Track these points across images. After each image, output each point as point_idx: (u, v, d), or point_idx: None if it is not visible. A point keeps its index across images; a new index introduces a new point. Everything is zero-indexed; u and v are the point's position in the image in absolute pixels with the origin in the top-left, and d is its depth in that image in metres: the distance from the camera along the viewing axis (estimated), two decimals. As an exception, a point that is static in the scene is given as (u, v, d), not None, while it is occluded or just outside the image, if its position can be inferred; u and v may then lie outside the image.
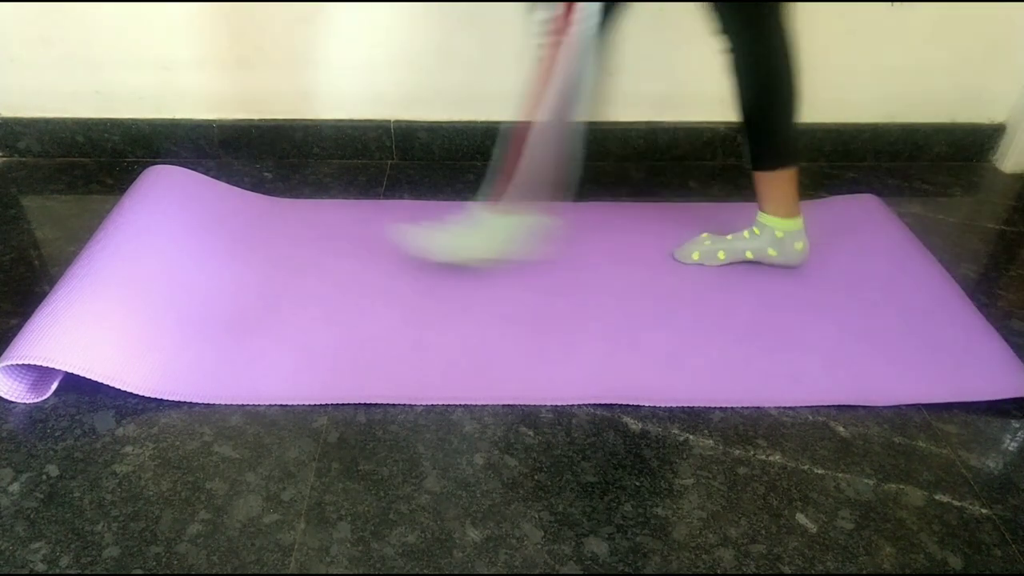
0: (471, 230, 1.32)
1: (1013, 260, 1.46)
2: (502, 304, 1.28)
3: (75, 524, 0.92)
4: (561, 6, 1.10)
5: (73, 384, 1.10)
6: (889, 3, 1.61)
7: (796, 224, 1.32)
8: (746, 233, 1.35)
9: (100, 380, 1.06)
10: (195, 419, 1.06)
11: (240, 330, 1.20)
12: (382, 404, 1.09)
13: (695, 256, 1.38)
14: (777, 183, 1.28)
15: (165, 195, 1.46)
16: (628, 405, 1.10)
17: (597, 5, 1.10)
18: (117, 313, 1.16)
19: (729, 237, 1.37)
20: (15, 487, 0.96)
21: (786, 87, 1.20)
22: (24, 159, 1.74)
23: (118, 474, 0.98)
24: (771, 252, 1.33)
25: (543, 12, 1.13)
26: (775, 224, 1.32)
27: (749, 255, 1.35)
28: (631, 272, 1.36)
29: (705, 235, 1.40)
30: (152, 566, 0.87)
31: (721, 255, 1.36)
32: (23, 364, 1.08)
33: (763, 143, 1.26)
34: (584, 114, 1.21)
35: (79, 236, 1.42)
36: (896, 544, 0.92)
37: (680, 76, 1.70)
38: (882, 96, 1.74)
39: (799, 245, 1.33)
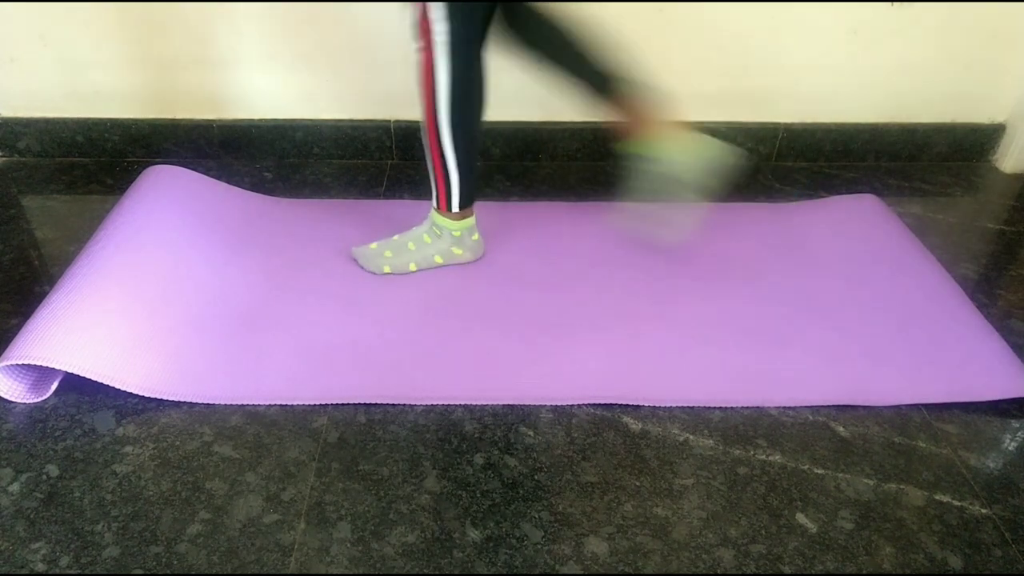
0: (421, 241, 1.34)
1: (1013, 260, 1.46)
2: (502, 304, 1.28)
3: (75, 524, 0.92)
4: (419, 9, 1.09)
5: (73, 384, 1.10)
6: (889, 3, 1.61)
7: (678, 135, 1.28)
8: (649, 161, 1.29)
9: (100, 380, 1.06)
10: (195, 419, 1.06)
11: (240, 330, 1.20)
12: (382, 404, 1.09)
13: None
14: (625, 107, 1.27)
15: (165, 195, 1.46)
16: (628, 405, 1.10)
17: (455, 7, 1.08)
18: (117, 313, 1.16)
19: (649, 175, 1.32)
20: (15, 487, 0.96)
21: (572, 34, 1.23)
22: (24, 159, 1.74)
23: (118, 474, 0.98)
24: (685, 171, 1.28)
25: (410, 15, 1.12)
26: (660, 145, 1.27)
27: (678, 178, 1.29)
28: (631, 272, 1.36)
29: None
30: (152, 566, 0.87)
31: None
32: (23, 364, 1.08)
33: (597, 84, 1.27)
34: (477, 115, 1.22)
35: (79, 236, 1.42)
36: (896, 544, 0.92)
37: (680, 76, 1.70)
38: (882, 96, 1.74)
39: (693, 149, 1.28)
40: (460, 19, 1.09)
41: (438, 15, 1.08)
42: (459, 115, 1.18)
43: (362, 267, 1.35)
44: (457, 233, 1.33)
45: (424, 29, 1.10)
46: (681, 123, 1.29)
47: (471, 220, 1.34)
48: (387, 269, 1.34)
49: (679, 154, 1.28)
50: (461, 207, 1.30)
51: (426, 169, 1.29)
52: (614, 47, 1.26)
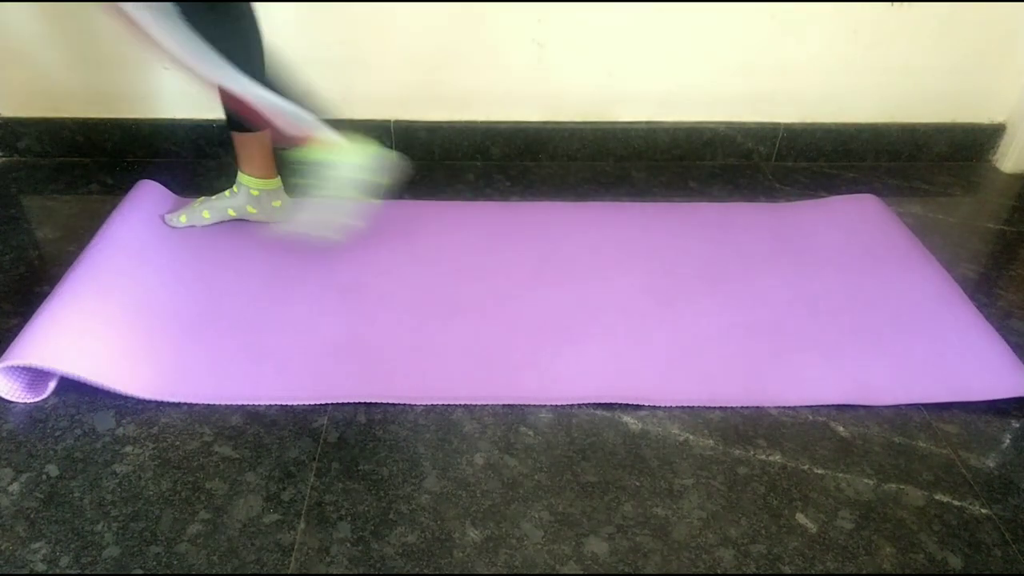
0: (330, 186, 1.32)
1: (1013, 260, 1.46)
2: (502, 304, 1.28)
3: (75, 524, 0.92)
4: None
5: (73, 384, 1.09)
6: (889, 3, 1.61)
7: (273, 183, 1.43)
8: (227, 192, 1.45)
9: (99, 384, 1.06)
10: (195, 419, 1.06)
11: (240, 330, 1.20)
12: (382, 404, 1.09)
13: (183, 219, 1.43)
14: (252, 144, 1.37)
15: (162, 201, 1.47)
16: (628, 405, 1.10)
17: None
18: (117, 314, 1.16)
19: (213, 197, 1.45)
20: (15, 487, 0.96)
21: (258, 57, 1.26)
22: (24, 159, 1.74)
23: (118, 474, 0.98)
24: (250, 209, 1.44)
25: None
26: (251, 183, 1.42)
27: (232, 213, 1.45)
28: (631, 272, 1.36)
29: (200, 198, 1.47)
30: (152, 566, 0.87)
31: (206, 214, 1.44)
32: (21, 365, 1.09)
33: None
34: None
35: (79, 236, 1.42)
36: (896, 544, 0.92)
37: (680, 76, 1.71)
38: (882, 96, 1.74)
39: (276, 203, 1.45)
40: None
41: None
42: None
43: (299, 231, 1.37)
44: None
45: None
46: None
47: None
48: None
49: (256, 191, 1.42)
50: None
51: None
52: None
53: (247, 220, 1.46)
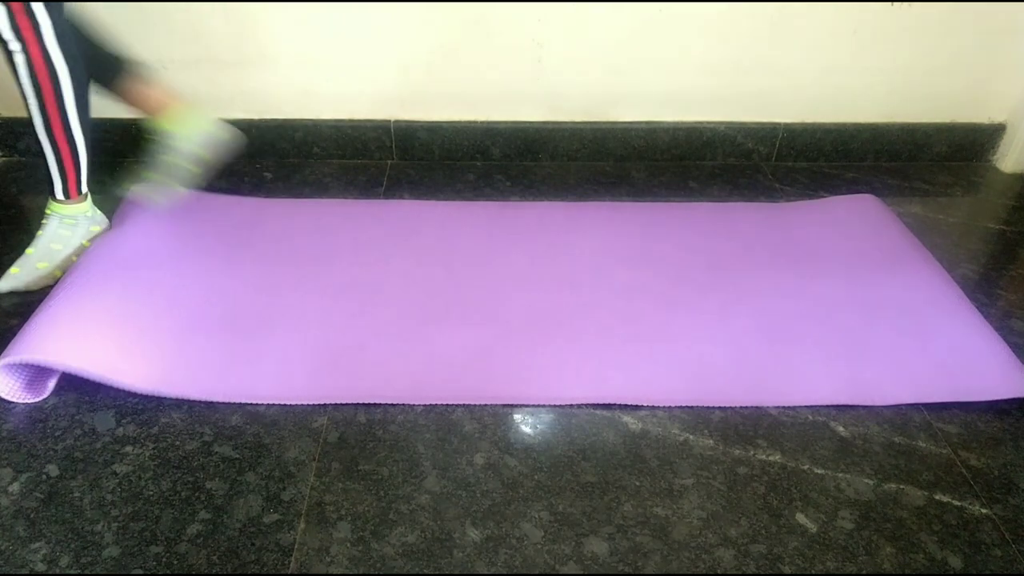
0: (62, 238, 1.35)
1: (1013, 260, 1.46)
2: (502, 304, 1.28)
3: (75, 524, 0.92)
4: (11, 10, 1.13)
5: (73, 384, 1.10)
6: (889, 3, 1.61)
7: (201, 118, 1.42)
8: (169, 155, 1.41)
9: (98, 378, 1.06)
10: (195, 419, 1.06)
11: (240, 330, 1.20)
12: (382, 404, 1.09)
13: (159, 200, 1.43)
14: (143, 92, 1.37)
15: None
16: (628, 405, 1.10)
17: (50, 4, 1.14)
18: (117, 312, 1.16)
19: (161, 166, 1.42)
20: (15, 487, 0.96)
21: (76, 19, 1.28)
22: (24, 159, 1.74)
23: (118, 474, 0.98)
24: (204, 154, 1.43)
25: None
26: (181, 131, 1.39)
27: (194, 168, 1.43)
28: (631, 272, 1.36)
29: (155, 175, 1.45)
30: (152, 566, 0.87)
31: (175, 185, 1.43)
32: (20, 363, 1.09)
33: (105, 74, 1.35)
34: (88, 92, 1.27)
35: (79, 236, 1.42)
36: (896, 544, 0.92)
37: (680, 76, 1.71)
38: (882, 96, 1.74)
39: (221, 134, 1.44)
40: (56, 12, 1.16)
41: (40, 10, 1.14)
42: (82, 97, 1.24)
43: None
44: (89, 213, 1.37)
45: (25, 27, 1.14)
46: (179, 98, 1.40)
47: (89, 199, 1.38)
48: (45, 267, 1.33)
49: (181, 127, 1.40)
50: (88, 187, 1.35)
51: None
52: (100, 25, 1.33)
53: (208, 167, 1.44)
